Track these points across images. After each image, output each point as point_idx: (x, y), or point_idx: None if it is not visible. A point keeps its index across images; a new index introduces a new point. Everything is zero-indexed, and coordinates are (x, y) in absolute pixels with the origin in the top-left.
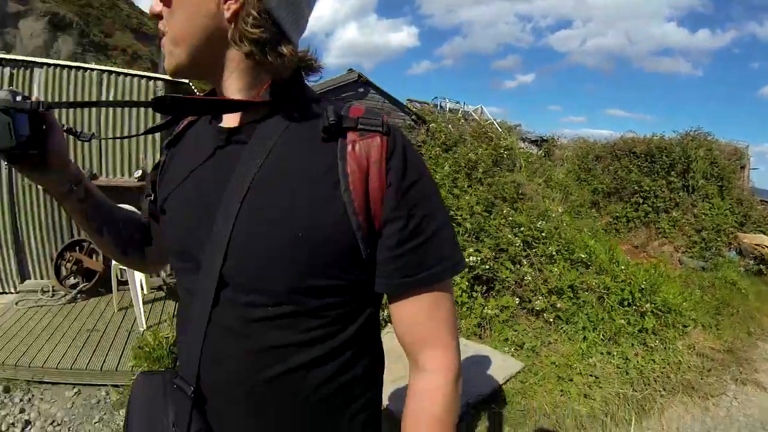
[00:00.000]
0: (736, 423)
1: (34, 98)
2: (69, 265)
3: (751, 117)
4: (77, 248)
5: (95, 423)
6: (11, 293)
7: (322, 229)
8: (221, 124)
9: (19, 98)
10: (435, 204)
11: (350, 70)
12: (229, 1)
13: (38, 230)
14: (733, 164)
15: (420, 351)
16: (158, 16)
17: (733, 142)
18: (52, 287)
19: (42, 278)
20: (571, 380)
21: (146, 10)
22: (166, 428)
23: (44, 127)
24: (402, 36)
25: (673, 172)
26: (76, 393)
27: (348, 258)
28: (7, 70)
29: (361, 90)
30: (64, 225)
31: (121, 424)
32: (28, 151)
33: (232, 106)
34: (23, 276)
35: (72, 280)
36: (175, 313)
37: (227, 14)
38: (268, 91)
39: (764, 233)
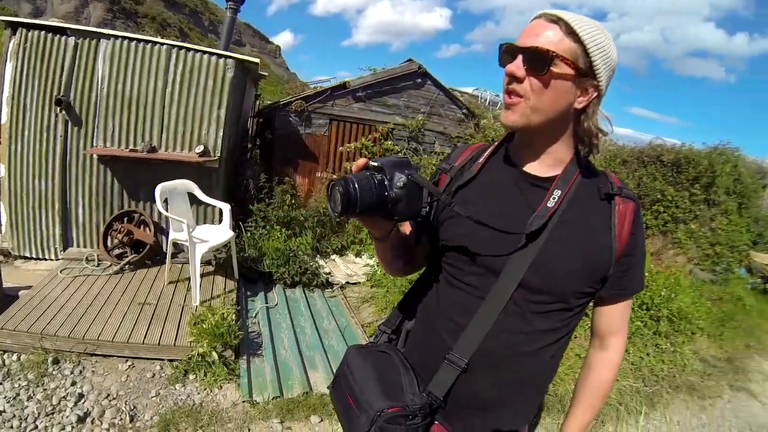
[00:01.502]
0: (727, 423)
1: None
2: (119, 235)
3: None
4: (127, 219)
5: (152, 397)
6: (52, 260)
7: (599, 256)
8: (525, 170)
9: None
10: (644, 246)
11: (410, 60)
12: (582, 98)
13: (87, 199)
14: (756, 183)
15: (609, 336)
16: (516, 79)
17: (758, 159)
18: (98, 256)
19: (86, 247)
20: None
21: None
22: (410, 391)
23: None
24: (434, 17)
25: (697, 185)
26: (129, 366)
27: (602, 275)
28: (71, 39)
29: (419, 81)
30: (114, 196)
31: (178, 398)
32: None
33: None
34: (66, 243)
35: (118, 251)
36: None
37: (577, 105)
38: (575, 161)
39: None
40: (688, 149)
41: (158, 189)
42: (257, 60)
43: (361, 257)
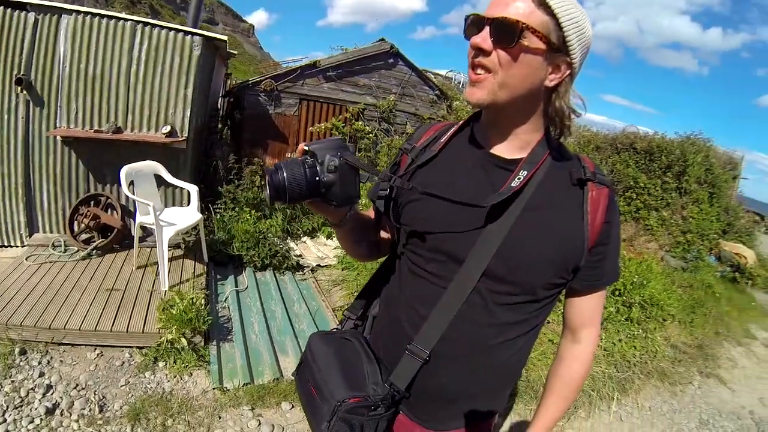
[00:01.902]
0: (697, 409)
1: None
2: (86, 220)
3: (746, 123)
4: (93, 203)
5: (121, 386)
6: (18, 246)
7: (570, 246)
8: (492, 151)
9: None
10: (619, 235)
11: (382, 40)
12: (554, 75)
13: (52, 183)
14: (726, 173)
15: (582, 329)
16: (482, 52)
17: (729, 150)
18: (64, 242)
19: (52, 232)
20: None
21: None
22: (372, 381)
23: None
24: None
25: (669, 173)
26: (98, 355)
27: (573, 265)
28: (31, 15)
29: (391, 61)
30: (80, 179)
31: (148, 387)
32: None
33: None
34: (32, 229)
35: (85, 236)
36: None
37: (548, 83)
38: (545, 142)
39: (744, 243)
40: (661, 138)
41: (123, 171)
42: (225, 37)
43: (332, 239)
